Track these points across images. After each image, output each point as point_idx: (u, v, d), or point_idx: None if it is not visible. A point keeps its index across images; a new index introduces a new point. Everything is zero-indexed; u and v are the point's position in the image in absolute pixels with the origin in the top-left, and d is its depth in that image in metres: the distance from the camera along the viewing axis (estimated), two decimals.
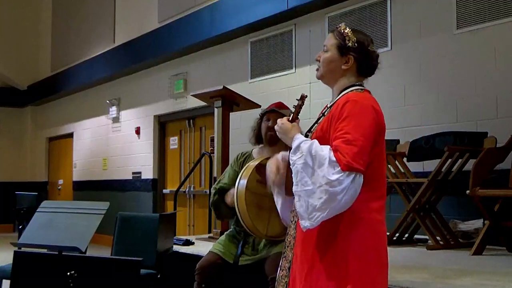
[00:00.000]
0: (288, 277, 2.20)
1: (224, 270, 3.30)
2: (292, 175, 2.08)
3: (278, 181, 2.25)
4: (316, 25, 6.24)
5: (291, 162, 2.08)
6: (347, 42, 2.20)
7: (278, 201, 2.35)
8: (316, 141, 2.06)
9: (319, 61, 2.26)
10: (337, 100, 2.18)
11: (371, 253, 2.07)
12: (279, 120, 2.22)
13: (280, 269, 2.27)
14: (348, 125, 2.03)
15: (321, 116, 2.23)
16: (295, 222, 2.22)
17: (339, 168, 1.95)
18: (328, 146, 2.02)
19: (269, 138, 3.38)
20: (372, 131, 2.06)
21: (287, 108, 3.44)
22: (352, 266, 2.03)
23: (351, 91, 2.19)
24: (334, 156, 1.97)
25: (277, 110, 3.39)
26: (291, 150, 2.10)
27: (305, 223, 2.02)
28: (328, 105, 2.24)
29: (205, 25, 7.46)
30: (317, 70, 2.29)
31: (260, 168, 3.05)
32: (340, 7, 5.97)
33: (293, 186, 2.06)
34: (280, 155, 2.28)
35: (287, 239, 2.26)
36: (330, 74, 2.23)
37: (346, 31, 2.23)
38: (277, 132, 2.21)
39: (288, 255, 2.23)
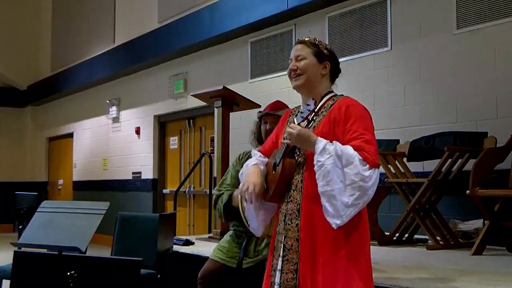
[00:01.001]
0: (296, 279, 2.25)
1: (226, 276, 3.29)
2: (318, 177, 2.17)
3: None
4: (316, 25, 6.24)
5: (318, 164, 2.17)
6: (322, 49, 2.44)
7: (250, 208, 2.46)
8: (337, 142, 2.18)
9: (295, 70, 2.41)
10: (324, 104, 2.35)
11: (369, 245, 2.32)
12: (290, 130, 2.27)
13: (282, 273, 2.29)
14: (360, 127, 2.22)
15: (311, 121, 2.32)
16: (297, 224, 2.27)
17: (368, 165, 2.13)
18: (349, 146, 2.16)
19: None
20: (374, 131, 2.28)
21: (285, 106, 3.43)
22: (365, 265, 2.23)
23: (334, 95, 2.40)
24: (360, 154, 2.14)
25: (273, 113, 3.38)
26: (318, 153, 2.18)
27: (337, 221, 2.13)
28: (306, 110, 2.30)
29: (205, 25, 7.46)
30: (296, 79, 2.42)
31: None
32: (340, 7, 5.97)
33: (321, 187, 2.16)
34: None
35: (287, 242, 2.30)
36: (312, 79, 2.41)
37: (317, 40, 2.47)
38: (292, 140, 2.26)
39: (293, 257, 2.27)
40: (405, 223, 4.54)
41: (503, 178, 4.11)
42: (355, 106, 2.28)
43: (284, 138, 2.37)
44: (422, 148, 4.44)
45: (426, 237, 4.43)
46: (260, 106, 4.67)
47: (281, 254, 2.32)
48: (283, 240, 2.32)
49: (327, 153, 2.15)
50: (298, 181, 2.30)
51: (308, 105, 2.27)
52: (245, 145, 3.76)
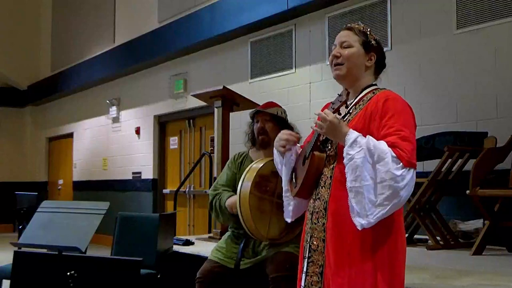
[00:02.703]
0: (321, 282, 2.12)
1: (224, 276, 3.29)
2: (347, 171, 2.01)
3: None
4: (316, 25, 6.24)
5: (347, 156, 2.01)
6: (370, 39, 2.25)
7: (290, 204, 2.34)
8: (370, 136, 2.03)
9: (338, 57, 2.22)
10: (363, 97, 2.20)
11: (402, 256, 2.12)
12: (323, 116, 2.08)
13: (306, 275, 2.17)
14: (397, 122, 2.05)
15: (347, 114, 2.18)
16: (323, 224, 2.14)
17: (402, 164, 1.96)
18: (383, 141, 2.00)
19: (260, 141, 3.36)
20: (415, 128, 2.11)
21: (277, 106, 3.43)
22: (396, 276, 2.07)
23: (375, 88, 2.23)
24: (394, 152, 1.97)
25: (263, 110, 3.37)
26: (348, 145, 2.02)
27: (362, 221, 1.98)
28: (337, 101, 2.14)
29: (205, 25, 7.46)
30: (337, 68, 2.22)
31: (262, 176, 3.05)
32: (340, 7, 5.97)
33: (349, 182, 2.01)
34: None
35: (312, 243, 2.17)
36: (354, 70, 2.22)
37: (368, 29, 2.27)
38: (321, 129, 2.10)
39: (318, 259, 2.15)
40: (405, 223, 4.53)
41: (503, 178, 4.11)
42: (395, 99, 2.12)
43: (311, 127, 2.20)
44: (422, 148, 4.43)
45: (426, 237, 4.43)
46: None
47: (306, 255, 2.19)
48: (309, 240, 2.18)
49: (358, 146, 1.99)
50: (327, 177, 2.14)
51: (339, 95, 2.12)
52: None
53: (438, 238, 4.29)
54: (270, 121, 3.34)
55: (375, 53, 2.26)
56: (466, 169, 4.23)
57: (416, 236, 4.71)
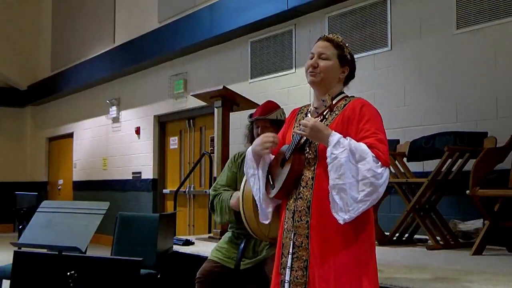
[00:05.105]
0: (306, 276, 2.24)
1: (224, 276, 3.29)
2: (330, 170, 2.16)
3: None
4: (316, 25, 6.24)
5: (331, 156, 2.16)
6: (346, 53, 2.42)
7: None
8: (350, 138, 2.19)
9: (314, 67, 2.37)
10: (336, 104, 2.34)
11: (374, 248, 2.31)
12: (305, 122, 2.23)
13: (292, 270, 2.29)
14: (373, 126, 2.24)
15: (323, 119, 2.30)
16: (307, 222, 2.27)
17: (380, 163, 2.15)
18: (363, 143, 2.17)
19: None
20: (385, 132, 2.29)
21: (277, 107, 3.42)
22: (371, 263, 2.25)
23: (346, 96, 2.41)
24: (373, 152, 2.15)
25: (263, 118, 3.37)
26: (332, 145, 2.17)
27: (344, 216, 2.14)
28: (322, 106, 2.27)
29: (205, 25, 7.46)
30: (313, 75, 2.38)
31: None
32: (340, 7, 5.97)
33: (332, 180, 2.15)
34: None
35: (296, 240, 2.29)
36: (328, 81, 2.38)
37: (344, 43, 2.44)
38: (305, 132, 2.23)
39: (302, 255, 2.27)
40: (405, 223, 4.54)
41: (503, 178, 4.11)
42: (369, 106, 2.31)
43: (294, 131, 2.34)
44: (422, 148, 4.44)
45: (426, 237, 4.43)
46: None
47: (290, 251, 2.31)
48: (292, 237, 2.30)
49: (341, 146, 2.15)
50: (309, 178, 2.28)
51: (323, 101, 2.25)
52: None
53: (438, 238, 4.30)
54: (271, 126, 3.34)
55: (349, 66, 2.42)
56: (466, 169, 4.24)
57: (416, 236, 4.72)
